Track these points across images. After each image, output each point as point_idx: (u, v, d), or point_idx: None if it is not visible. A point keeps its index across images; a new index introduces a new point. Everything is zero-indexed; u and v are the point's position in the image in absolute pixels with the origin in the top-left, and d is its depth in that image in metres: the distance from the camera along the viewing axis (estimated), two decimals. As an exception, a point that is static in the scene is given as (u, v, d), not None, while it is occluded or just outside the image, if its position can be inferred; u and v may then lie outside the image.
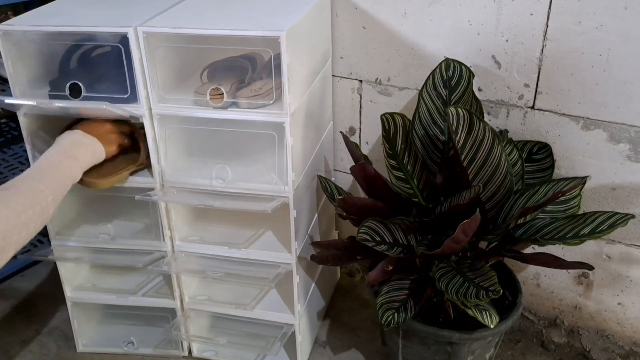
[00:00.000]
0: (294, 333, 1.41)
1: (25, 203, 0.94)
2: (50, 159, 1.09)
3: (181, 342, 1.51)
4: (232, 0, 1.34)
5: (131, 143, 1.27)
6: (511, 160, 1.22)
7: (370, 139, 1.58)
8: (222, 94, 1.17)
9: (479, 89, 1.36)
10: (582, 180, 1.19)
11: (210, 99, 1.18)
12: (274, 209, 1.21)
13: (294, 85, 1.17)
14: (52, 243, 1.41)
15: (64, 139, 1.15)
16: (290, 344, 1.44)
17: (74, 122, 1.25)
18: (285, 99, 1.14)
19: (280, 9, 1.24)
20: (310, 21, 1.28)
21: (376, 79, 1.48)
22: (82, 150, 1.15)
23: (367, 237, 1.17)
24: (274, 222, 1.39)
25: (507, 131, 1.36)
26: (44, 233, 1.51)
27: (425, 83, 1.26)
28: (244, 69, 1.25)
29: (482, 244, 1.28)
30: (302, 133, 1.28)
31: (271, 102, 1.19)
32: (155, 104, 1.21)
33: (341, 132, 1.45)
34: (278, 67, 1.12)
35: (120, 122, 1.25)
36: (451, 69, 1.26)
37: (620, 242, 1.35)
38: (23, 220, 0.92)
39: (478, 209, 1.07)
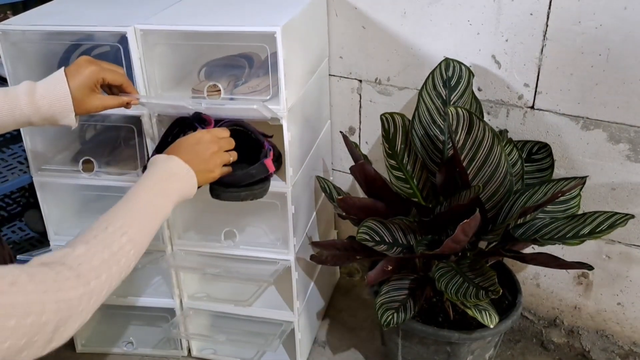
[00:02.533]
0: (293, 331, 1.41)
1: (100, 266, 0.75)
2: (140, 201, 0.88)
3: (180, 341, 1.51)
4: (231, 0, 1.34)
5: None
6: (511, 160, 1.22)
7: (370, 138, 1.57)
8: (219, 90, 1.17)
9: (479, 89, 1.36)
10: (582, 180, 1.19)
11: (207, 95, 1.18)
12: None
13: (291, 81, 1.17)
14: (51, 243, 1.41)
15: (159, 170, 0.94)
16: (289, 343, 1.44)
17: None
18: (282, 95, 1.14)
19: (276, 7, 1.24)
20: (306, 19, 1.29)
21: (376, 79, 1.48)
22: (179, 186, 0.94)
23: (367, 237, 1.17)
24: (273, 219, 1.39)
25: (506, 131, 1.36)
26: (43, 233, 1.51)
27: (425, 83, 1.26)
28: (241, 67, 1.25)
29: (482, 244, 1.28)
30: (299, 130, 1.28)
31: (268, 97, 1.19)
32: (154, 102, 1.21)
33: (341, 131, 1.45)
34: (275, 64, 1.13)
35: (233, 135, 1.06)
36: (451, 68, 1.26)
37: (619, 242, 1.35)
38: (93, 286, 0.74)
39: (478, 209, 1.07)
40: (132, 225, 0.83)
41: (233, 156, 1.05)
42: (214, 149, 1.00)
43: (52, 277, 0.69)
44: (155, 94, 1.21)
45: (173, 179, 0.93)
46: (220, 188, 1.07)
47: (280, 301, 1.43)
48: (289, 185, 1.24)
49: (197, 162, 0.98)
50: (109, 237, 0.79)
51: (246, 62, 1.25)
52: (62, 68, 0.99)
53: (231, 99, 1.19)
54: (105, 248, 0.77)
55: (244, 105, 1.10)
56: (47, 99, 0.96)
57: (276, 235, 1.36)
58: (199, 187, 0.99)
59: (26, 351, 0.65)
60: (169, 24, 1.16)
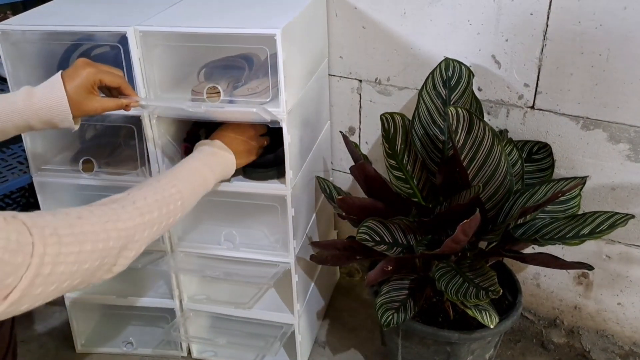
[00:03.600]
0: (293, 333, 1.41)
1: (152, 204, 0.91)
2: (188, 167, 1.06)
3: (180, 342, 1.51)
4: (229, 1, 1.34)
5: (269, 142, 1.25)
6: (511, 160, 1.22)
7: (370, 138, 1.57)
8: (219, 92, 1.17)
9: (479, 89, 1.36)
10: (582, 180, 1.19)
11: (207, 97, 1.18)
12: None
13: (290, 83, 1.17)
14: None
15: (204, 149, 1.13)
16: (290, 344, 1.44)
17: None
18: (281, 97, 1.14)
19: (276, 9, 1.24)
20: (306, 20, 1.29)
21: (376, 79, 1.48)
22: (221, 162, 1.13)
23: (367, 237, 1.17)
24: (272, 221, 1.39)
25: (506, 131, 1.36)
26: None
27: (425, 83, 1.26)
28: (241, 69, 1.25)
29: (482, 244, 1.28)
30: (299, 132, 1.28)
31: (268, 100, 1.19)
32: (153, 103, 1.21)
33: (341, 131, 1.45)
34: (274, 66, 1.12)
35: (258, 127, 1.22)
36: (451, 68, 1.26)
37: (620, 242, 1.35)
38: (147, 219, 0.88)
39: (478, 209, 1.07)
40: (181, 181, 1.00)
41: (267, 140, 1.24)
42: (251, 133, 1.19)
43: (113, 210, 0.84)
44: (154, 95, 1.21)
45: (217, 156, 1.12)
46: (251, 169, 1.24)
47: (280, 303, 1.42)
48: (288, 188, 1.23)
49: (237, 144, 1.17)
50: (162, 186, 0.96)
51: (245, 63, 1.25)
52: (60, 71, 1.00)
53: (230, 101, 1.19)
54: (158, 193, 0.93)
55: (243, 108, 1.15)
56: (45, 103, 0.98)
57: (276, 237, 1.36)
58: (237, 169, 1.18)
59: (99, 272, 0.81)
60: (169, 26, 1.16)
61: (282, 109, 1.15)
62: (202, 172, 1.07)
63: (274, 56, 1.11)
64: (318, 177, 1.42)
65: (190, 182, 1.02)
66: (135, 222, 0.86)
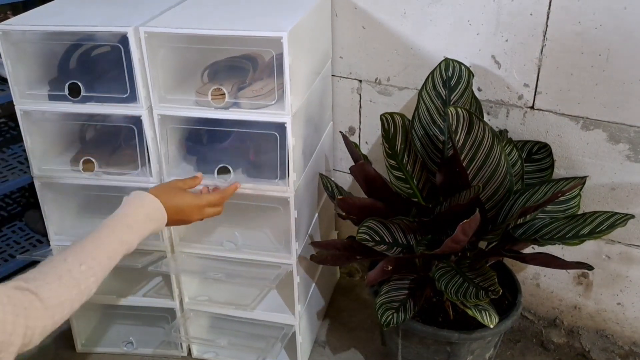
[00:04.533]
0: (294, 334, 1.41)
1: (64, 302, 0.83)
2: (117, 235, 0.95)
3: (180, 343, 1.51)
4: (233, 1, 1.34)
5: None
6: (511, 160, 1.22)
7: (370, 138, 1.57)
8: (224, 94, 1.17)
9: (479, 89, 1.36)
10: (582, 180, 1.19)
11: (211, 99, 1.18)
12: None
13: (296, 85, 1.17)
14: (51, 243, 1.40)
15: (145, 210, 1.02)
16: (290, 345, 1.44)
17: None
18: (287, 100, 1.14)
19: (282, 10, 1.24)
20: (312, 22, 1.28)
21: (376, 79, 1.48)
22: (150, 226, 1.01)
23: (367, 237, 1.17)
24: (275, 223, 1.39)
25: (506, 131, 1.36)
26: (43, 233, 1.51)
27: (425, 83, 1.26)
28: (245, 70, 1.25)
29: (482, 244, 1.28)
30: (303, 133, 1.28)
31: (273, 102, 1.19)
32: (157, 104, 1.21)
33: (341, 131, 1.45)
34: (279, 67, 1.12)
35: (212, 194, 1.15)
36: (451, 68, 1.26)
37: (619, 242, 1.35)
38: (57, 319, 0.82)
39: (477, 209, 1.07)
40: (102, 263, 0.90)
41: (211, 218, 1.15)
42: (197, 217, 1.11)
43: (25, 304, 0.77)
44: (159, 96, 1.21)
45: (150, 223, 1.01)
46: None
47: (281, 304, 1.42)
48: (291, 189, 1.23)
49: (175, 216, 1.06)
50: (81, 275, 0.86)
51: (250, 64, 1.25)
52: None
53: (235, 102, 1.19)
54: (75, 287, 0.85)
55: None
56: None
57: (278, 238, 1.36)
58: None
59: None
60: (174, 27, 1.15)
61: (288, 111, 1.15)
62: (129, 240, 0.97)
63: (279, 57, 1.11)
64: (321, 175, 1.42)
65: (112, 259, 0.93)
66: (44, 322, 0.79)
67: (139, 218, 1.00)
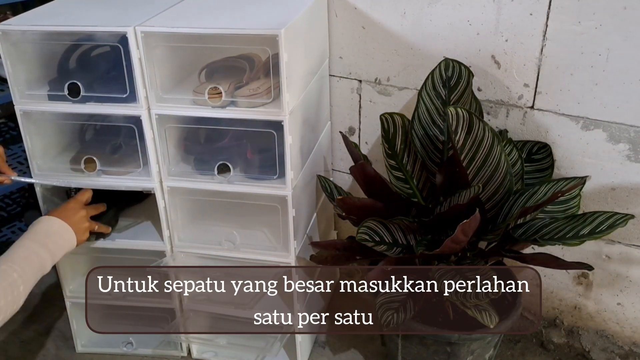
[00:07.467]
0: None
1: None
2: (26, 248, 1.09)
3: (180, 343, 1.51)
4: (230, 1, 1.34)
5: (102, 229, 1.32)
6: (511, 160, 1.22)
7: (370, 139, 1.57)
8: (221, 93, 1.17)
9: (479, 89, 1.36)
10: (582, 180, 1.19)
11: (208, 98, 1.18)
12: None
13: (292, 84, 1.17)
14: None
15: (40, 227, 1.16)
16: (290, 345, 1.44)
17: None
18: (283, 97, 1.14)
19: (278, 9, 1.24)
20: (308, 21, 1.29)
21: (375, 79, 1.48)
22: (59, 240, 1.16)
23: (367, 237, 1.17)
24: (273, 222, 1.38)
25: (506, 131, 1.36)
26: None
27: (425, 83, 1.26)
28: (242, 69, 1.25)
29: (482, 244, 1.28)
30: (300, 132, 1.28)
31: (269, 100, 1.19)
32: (154, 103, 1.21)
33: (341, 132, 1.45)
34: (276, 66, 1.12)
35: (94, 206, 1.29)
36: (450, 69, 1.26)
37: (619, 242, 1.35)
38: None
39: (477, 209, 1.07)
40: (28, 274, 1.05)
41: (98, 226, 1.28)
42: (82, 214, 1.23)
43: None
44: (156, 95, 1.21)
45: (57, 238, 1.16)
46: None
47: (281, 303, 1.42)
48: (289, 189, 1.23)
49: (72, 223, 1.20)
50: (11, 285, 1.00)
51: (247, 64, 1.25)
52: None
53: (232, 102, 1.19)
54: (8, 294, 0.99)
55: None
56: None
57: (277, 238, 1.36)
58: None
59: None
60: (171, 26, 1.16)
61: (284, 110, 1.15)
62: (41, 254, 1.10)
63: (276, 57, 1.11)
64: (319, 176, 1.42)
65: (29, 267, 1.06)
66: None
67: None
